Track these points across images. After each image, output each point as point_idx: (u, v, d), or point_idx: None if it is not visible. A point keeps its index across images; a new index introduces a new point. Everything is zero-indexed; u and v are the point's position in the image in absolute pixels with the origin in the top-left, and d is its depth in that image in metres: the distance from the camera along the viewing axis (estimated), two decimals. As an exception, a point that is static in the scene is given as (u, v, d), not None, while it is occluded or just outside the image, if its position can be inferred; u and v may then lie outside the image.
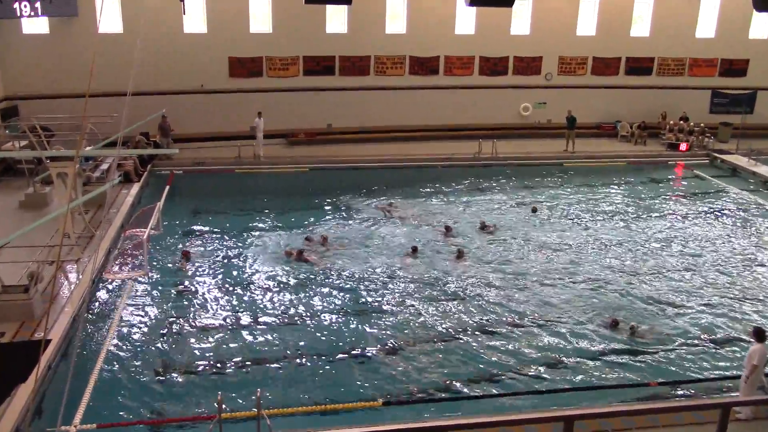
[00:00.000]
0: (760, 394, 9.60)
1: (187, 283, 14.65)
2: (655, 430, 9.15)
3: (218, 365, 11.34)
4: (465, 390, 10.81)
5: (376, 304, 13.72)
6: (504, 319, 13.12)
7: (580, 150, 27.37)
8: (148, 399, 10.40)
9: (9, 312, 11.63)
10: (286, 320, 12.96)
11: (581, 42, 29.75)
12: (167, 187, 21.67)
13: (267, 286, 14.57)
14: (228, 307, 13.53)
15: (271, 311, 13.38)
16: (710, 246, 17.63)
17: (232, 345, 11.98)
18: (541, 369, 11.39)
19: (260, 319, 13.01)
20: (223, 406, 9.17)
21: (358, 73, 28.33)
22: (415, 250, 16.37)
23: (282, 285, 14.60)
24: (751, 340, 10.06)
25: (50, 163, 16.01)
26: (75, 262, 14.55)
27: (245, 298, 13.95)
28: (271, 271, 15.27)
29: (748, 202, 22.13)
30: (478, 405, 10.42)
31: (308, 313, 13.25)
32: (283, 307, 13.53)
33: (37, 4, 21.45)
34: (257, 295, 14.10)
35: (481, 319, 13.12)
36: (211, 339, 12.20)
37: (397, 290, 14.41)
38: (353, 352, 11.82)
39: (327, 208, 20.60)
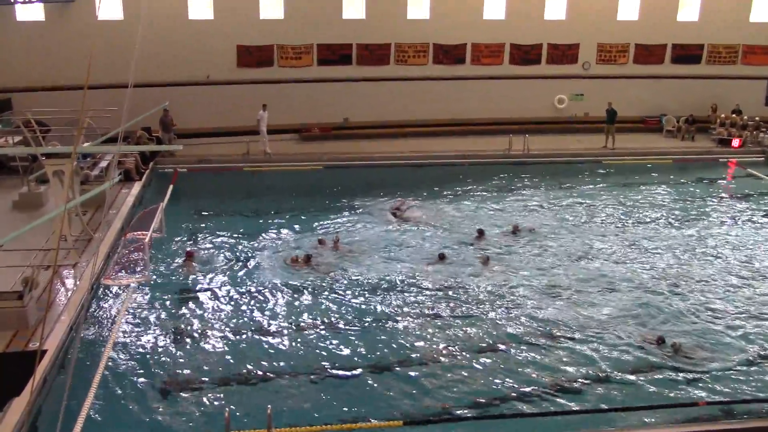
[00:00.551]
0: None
1: (191, 289, 14.78)
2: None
3: (225, 379, 11.42)
4: (493, 409, 10.76)
5: (395, 314, 13.73)
6: (536, 331, 13.05)
7: (620, 146, 27.19)
8: (151, 415, 10.49)
9: (2, 320, 11.73)
10: (297, 331, 13.01)
11: (622, 27, 29.54)
12: (171, 187, 21.89)
13: (277, 294, 14.64)
14: (235, 316, 13.62)
15: (282, 321, 13.45)
16: (765, 253, 17.40)
17: (239, 357, 12.05)
18: (576, 386, 11.31)
19: (270, 330, 13.08)
20: (231, 423, 9.23)
21: (377, 62, 28.41)
22: (442, 257, 16.35)
23: (293, 293, 14.66)
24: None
25: (46, 161, 16.21)
26: (72, 266, 14.72)
27: (254, 307, 14.03)
28: (282, 278, 15.35)
29: (809, 203, 21.88)
30: (507, 426, 10.38)
31: (321, 324, 13.30)
32: (294, 317, 13.60)
33: (33, -11, 21.81)
34: (267, 304, 14.18)
35: (511, 332, 13.07)
36: (217, 350, 12.29)
37: (418, 300, 14.40)
38: (370, 366, 11.83)
39: (342, 209, 20.67)
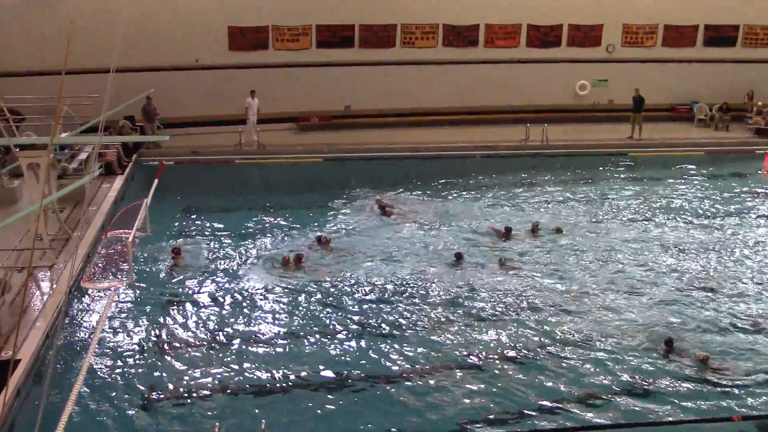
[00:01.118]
0: None
1: (177, 293, 14.79)
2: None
3: (214, 390, 11.42)
4: (507, 427, 10.75)
5: (397, 320, 13.70)
6: (554, 340, 13.02)
7: (648, 137, 27.12)
8: (134, 429, 10.51)
9: (-28, 326, 11.77)
10: (293, 339, 13.01)
11: (650, 7, 29.45)
12: (156, 181, 21.87)
13: (270, 298, 14.65)
14: (224, 323, 13.62)
15: (275, 328, 13.45)
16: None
17: (230, 367, 12.06)
18: (597, 399, 11.28)
19: (262, 338, 13.09)
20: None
21: (382, 45, 28.37)
22: (459, 258, 16.31)
23: (286, 297, 14.66)
24: None
25: (20, 153, 16.22)
26: (48, 268, 14.72)
27: (245, 312, 14.04)
28: (274, 281, 15.36)
29: None
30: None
31: (318, 331, 13.29)
32: (288, 324, 13.60)
33: (6, -34, 21.85)
34: (259, 309, 14.18)
35: (527, 341, 13.04)
36: (205, 359, 12.29)
37: (424, 304, 14.37)
38: (371, 377, 11.84)
39: (343, 205, 20.70)
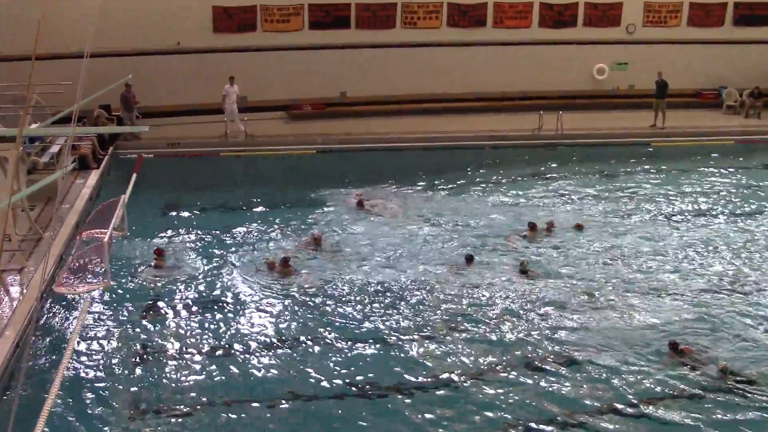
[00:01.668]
0: None
1: (159, 298, 14.77)
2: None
3: (198, 405, 11.40)
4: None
5: (398, 330, 13.60)
6: (570, 350, 12.97)
7: (672, 125, 27.14)
8: (112, 449, 10.51)
9: (-65, 336, 11.74)
10: (284, 349, 12.98)
11: (674, -17, 29.49)
12: (134, 176, 21.86)
13: (261, 304, 14.61)
14: (213, 331, 13.59)
15: (267, 337, 13.41)
16: None
17: (218, 379, 12.03)
18: (616, 414, 11.25)
19: (254, 347, 13.04)
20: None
21: (381, 25, 28.37)
22: (470, 260, 16.27)
23: (279, 303, 14.62)
24: None
25: (-15, 145, 16.20)
26: (18, 272, 14.70)
27: (234, 320, 14.00)
28: (266, 286, 15.34)
29: None
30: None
31: (311, 341, 13.25)
32: (280, 333, 13.54)
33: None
34: (249, 316, 14.14)
35: (542, 349, 13.01)
36: (189, 371, 12.25)
37: (425, 311, 14.33)
38: (366, 391, 11.83)
39: (339, 201, 20.68)
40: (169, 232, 18.37)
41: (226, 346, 13.16)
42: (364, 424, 11.08)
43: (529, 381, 12.08)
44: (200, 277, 15.85)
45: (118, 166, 23.44)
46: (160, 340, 13.31)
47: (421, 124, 27.28)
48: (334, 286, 15.33)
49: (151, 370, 12.36)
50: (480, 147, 25.85)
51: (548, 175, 23.42)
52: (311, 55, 27.93)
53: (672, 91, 27.62)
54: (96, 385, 11.88)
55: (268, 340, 13.38)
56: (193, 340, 13.37)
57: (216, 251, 17.20)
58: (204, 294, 15.12)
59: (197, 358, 12.75)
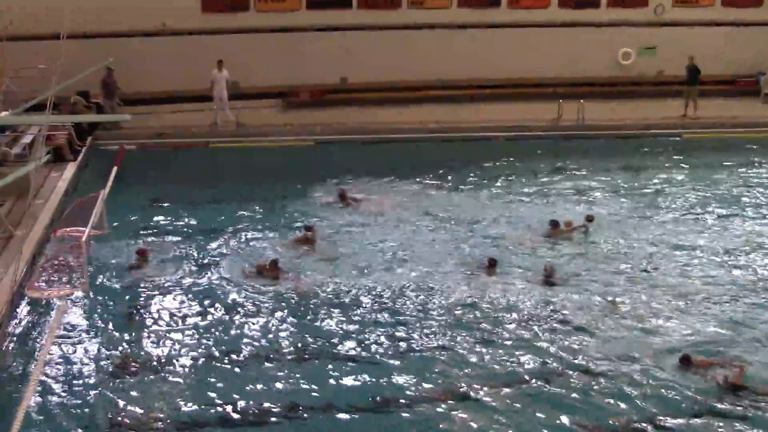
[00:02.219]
0: None
1: (141, 304, 14.73)
2: None
3: (187, 421, 11.35)
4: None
5: (401, 341, 13.55)
6: (593, 363, 12.90)
7: (705, 115, 27.09)
8: (88, 468, 10.47)
9: None
10: (277, 360, 12.93)
11: (708, -42, 29.41)
12: (115, 169, 21.81)
13: (252, 310, 14.56)
14: (199, 339, 13.54)
15: (258, 347, 13.35)
16: None
17: (206, 393, 11.97)
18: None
19: (242, 358, 13.01)
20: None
21: (385, 5, 28.33)
22: (493, 264, 16.12)
23: (270, 310, 14.58)
24: None
25: (-48, 135, 16.19)
26: (-14, 273, 14.68)
27: (223, 328, 13.95)
28: (257, 290, 15.31)
29: None
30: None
31: (307, 351, 13.23)
32: (272, 343, 13.49)
33: None
34: (239, 324, 14.07)
35: (557, 363, 12.95)
36: (173, 385, 12.18)
37: (431, 319, 14.29)
38: (374, 406, 11.79)
39: (337, 196, 20.58)
40: (153, 231, 18.34)
41: (213, 356, 13.10)
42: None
43: (547, 395, 12.04)
44: (186, 280, 15.80)
45: (97, 159, 23.39)
46: (141, 350, 13.25)
47: (429, 113, 27.22)
48: (328, 291, 15.26)
49: (131, 382, 12.31)
50: (493, 138, 25.74)
51: (568, 170, 23.36)
52: (309, 37, 27.90)
53: (704, 78, 27.53)
54: (71, 398, 11.81)
55: (257, 350, 13.31)
56: (177, 349, 13.31)
57: (204, 252, 17.15)
58: (190, 299, 15.07)
59: (181, 369, 12.69)
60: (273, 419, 11.43)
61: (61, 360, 12.80)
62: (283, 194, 20.99)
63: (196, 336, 13.76)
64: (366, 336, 13.72)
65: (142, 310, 14.58)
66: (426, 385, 12.27)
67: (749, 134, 26.47)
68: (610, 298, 15.12)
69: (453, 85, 28.97)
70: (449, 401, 11.84)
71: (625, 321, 14.30)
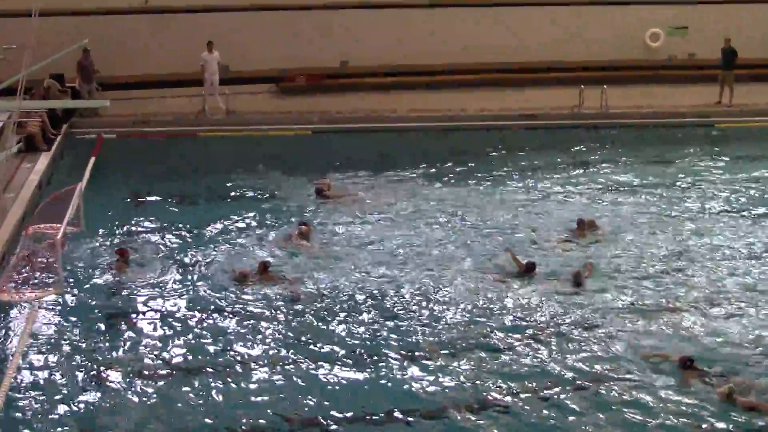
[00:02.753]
0: None
1: (120, 307, 14.70)
2: None
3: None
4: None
5: (405, 348, 13.52)
6: (610, 370, 12.95)
7: (741, 102, 27.10)
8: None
9: None
10: (268, 370, 12.91)
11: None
12: (93, 160, 21.81)
13: (242, 315, 14.52)
14: (183, 346, 13.53)
15: (248, 355, 13.35)
16: None
17: (190, 404, 11.94)
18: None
19: (230, 368, 12.96)
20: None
21: (390, -20, 28.31)
22: (531, 269, 15.97)
23: (261, 315, 14.56)
24: None
25: None
26: (-49, 274, 14.69)
27: (210, 333, 13.93)
28: (246, 293, 15.30)
29: None
30: None
31: (307, 358, 13.18)
32: (261, 351, 13.47)
33: None
34: (226, 331, 14.05)
35: (576, 374, 12.95)
36: (157, 394, 12.20)
37: (449, 327, 14.24)
38: (366, 420, 11.77)
39: (336, 190, 20.59)
40: (135, 229, 18.29)
41: (198, 365, 13.08)
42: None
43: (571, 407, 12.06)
44: (170, 283, 15.76)
45: (73, 148, 23.42)
46: (119, 357, 13.24)
47: (438, 100, 27.23)
48: (325, 295, 15.22)
49: (109, 392, 12.29)
50: (508, 128, 25.75)
51: (590, 163, 23.31)
52: (306, 16, 27.92)
53: (741, 61, 27.47)
54: (44, 409, 11.76)
55: (246, 358, 13.29)
56: (159, 357, 13.30)
57: (190, 251, 17.11)
58: (174, 304, 15.05)
59: (163, 378, 12.67)
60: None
61: (33, 368, 12.76)
62: (276, 189, 20.95)
63: (180, 343, 13.74)
64: (367, 343, 13.70)
65: (121, 314, 14.55)
66: (445, 394, 12.26)
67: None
68: (640, 303, 15.12)
69: (464, 69, 28.91)
70: (469, 412, 11.85)
71: (658, 327, 14.31)
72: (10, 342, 13.54)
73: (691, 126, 26.15)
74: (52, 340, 13.60)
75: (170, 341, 13.77)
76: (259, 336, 13.98)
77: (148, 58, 26.83)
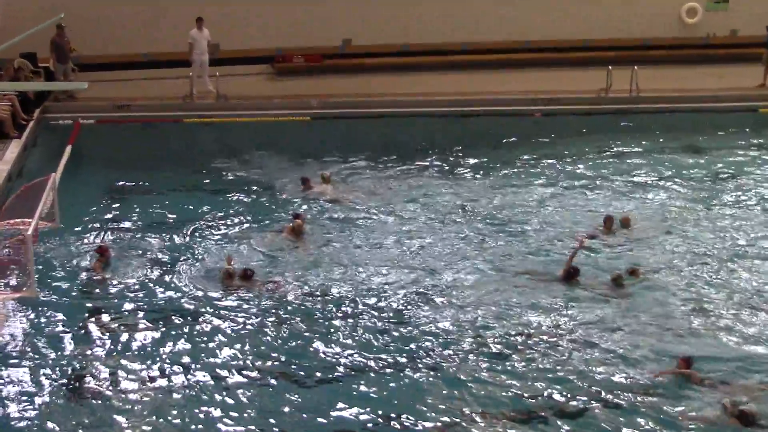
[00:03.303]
0: None
1: (98, 309, 14.71)
2: None
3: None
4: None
5: (409, 358, 13.54)
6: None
7: (787, 85, 26.98)
8: None
9: None
10: (257, 380, 12.97)
11: None
12: (69, 148, 21.81)
13: (230, 320, 14.56)
14: (167, 354, 13.53)
15: (235, 364, 13.37)
16: None
17: (172, 417, 11.99)
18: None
19: (216, 376, 13.01)
20: None
21: (397, -49, 28.31)
22: (574, 274, 15.81)
23: (253, 319, 14.60)
24: None
25: None
26: None
27: (196, 340, 13.95)
28: (234, 294, 15.34)
29: None
30: None
31: (303, 366, 13.25)
32: (254, 360, 13.49)
33: None
34: (213, 337, 14.06)
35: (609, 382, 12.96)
36: (137, 405, 12.21)
37: (468, 334, 14.23)
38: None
39: (339, 181, 20.64)
40: (115, 224, 18.28)
41: (181, 374, 13.09)
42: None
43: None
44: (153, 284, 15.79)
45: (47, 135, 23.41)
46: (97, 365, 13.24)
47: (450, 82, 27.28)
48: (319, 298, 15.27)
49: (87, 402, 12.31)
50: (529, 113, 25.74)
51: (619, 152, 23.30)
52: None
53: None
54: (14, 422, 11.81)
55: (232, 366, 13.31)
56: (140, 366, 13.30)
57: (175, 249, 17.14)
58: (157, 306, 15.08)
59: (145, 389, 12.68)
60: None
61: (6, 377, 12.79)
62: (269, 180, 20.98)
63: (164, 350, 13.74)
64: (368, 355, 13.68)
65: (99, 318, 14.58)
66: (459, 409, 12.27)
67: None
68: (674, 306, 15.14)
69: (478, 48, 28.94)
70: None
71: (697, 330, 14.36)
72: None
73: (731, 111, 26.10)
74: (24, 346, 13.61)
75: (153, 347, 13.78)
76: (244, 343, 13.99)
77: (130, 36, 26.89)
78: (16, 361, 13.26)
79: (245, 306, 15.04)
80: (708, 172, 21.88)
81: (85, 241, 17.14)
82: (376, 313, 14.83)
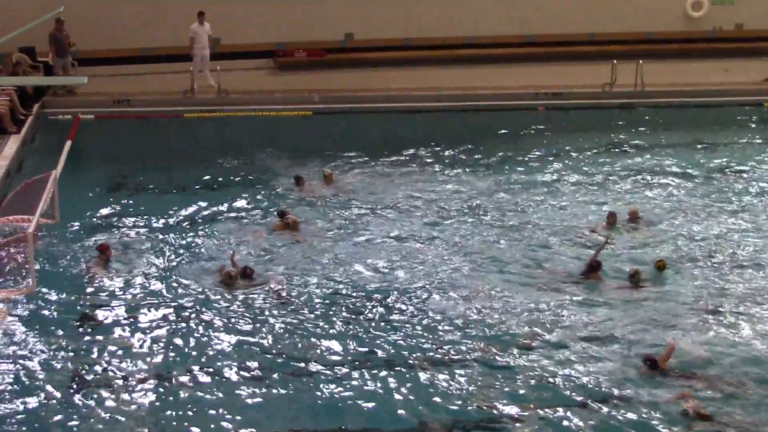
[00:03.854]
0: None
1: (98, 307, 14.70)
2: None
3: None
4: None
5: (412, 356, 13.50)
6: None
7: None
8: None
9: None
10: (257, 379, 12.93)
11: None
12: (68, 144, 21.80)
13: (231, 318, 14.55)
14: (167, 352, 13.54)
15: (236, 363, 13.34)
16: None
17: (171, 417, 11.98)
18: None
19: (222, 371, 13.03)
20: None
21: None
22: (596, 268, 15.73)
23: (254, 317, 14.58)
24: None
25: None
26: None
27: (197, 338, 13.94)
28: (234, 295, 15.28)
29: None
30: None
31: (303, 364, 13.21)
32: (254, 359, 13.45)
33: None
34: (215, 335, 14.05)
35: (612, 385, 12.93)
36: (137, 404, 12.20)
37: (474, 334, 14.13)
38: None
39: (340, 177, 20.63)
40: (115, 221, 18.28)
41: (182, 373, 13.08)
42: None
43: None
44: (154, 281, 15.78)
45: (46, 131, 23.42)
46: (96, 364, 13.25)
47: (453, 77, 27.25)
48: (319, 295, 15.24)
49: (86, 401, 12.29)
50: (533, 108, 25.75)
51: (624, 147, 23.32)
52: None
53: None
54: (12, 420, 11.81)
55: (233, 366, 13.27)
56: (140, 364, 13.30)
57: (176, 246, 17.11)
58: (158, 304, 15.05)
59: (144, 387, 12.69)
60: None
61: (3, 376, 12.79)
62: (271, 176, 20.98)
63: (164, 348, 13.73)
64: (368, 352, 13.67)
65: (99, 316, 14.57)
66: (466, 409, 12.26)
67: None
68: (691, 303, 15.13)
69: (482, 42, 28.93)
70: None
71: (710, 329, 14.31)
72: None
73: (737, 106, 26.06)
74: (23, 344, 13.60)
75: (153, 345, 13.77)
76: (244, 343, 13.96)
77: (130, 30, 26.87)
78: (15, 359, 13.24)
79: (245, 304, 15.03)
80: (713, 167, 21.87)
81: (85, 238, 17.12)
82: (376, 310, 14.81)
